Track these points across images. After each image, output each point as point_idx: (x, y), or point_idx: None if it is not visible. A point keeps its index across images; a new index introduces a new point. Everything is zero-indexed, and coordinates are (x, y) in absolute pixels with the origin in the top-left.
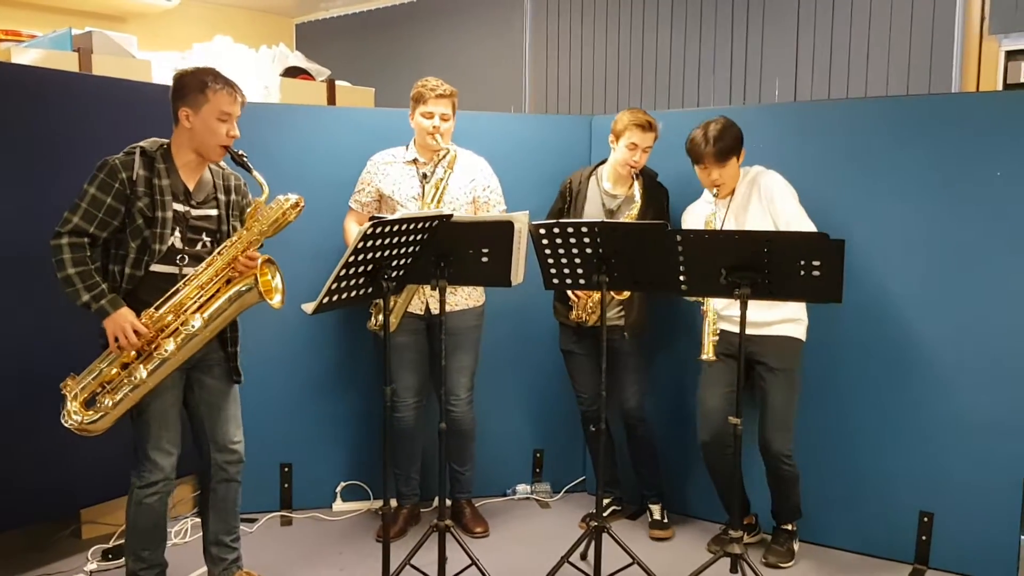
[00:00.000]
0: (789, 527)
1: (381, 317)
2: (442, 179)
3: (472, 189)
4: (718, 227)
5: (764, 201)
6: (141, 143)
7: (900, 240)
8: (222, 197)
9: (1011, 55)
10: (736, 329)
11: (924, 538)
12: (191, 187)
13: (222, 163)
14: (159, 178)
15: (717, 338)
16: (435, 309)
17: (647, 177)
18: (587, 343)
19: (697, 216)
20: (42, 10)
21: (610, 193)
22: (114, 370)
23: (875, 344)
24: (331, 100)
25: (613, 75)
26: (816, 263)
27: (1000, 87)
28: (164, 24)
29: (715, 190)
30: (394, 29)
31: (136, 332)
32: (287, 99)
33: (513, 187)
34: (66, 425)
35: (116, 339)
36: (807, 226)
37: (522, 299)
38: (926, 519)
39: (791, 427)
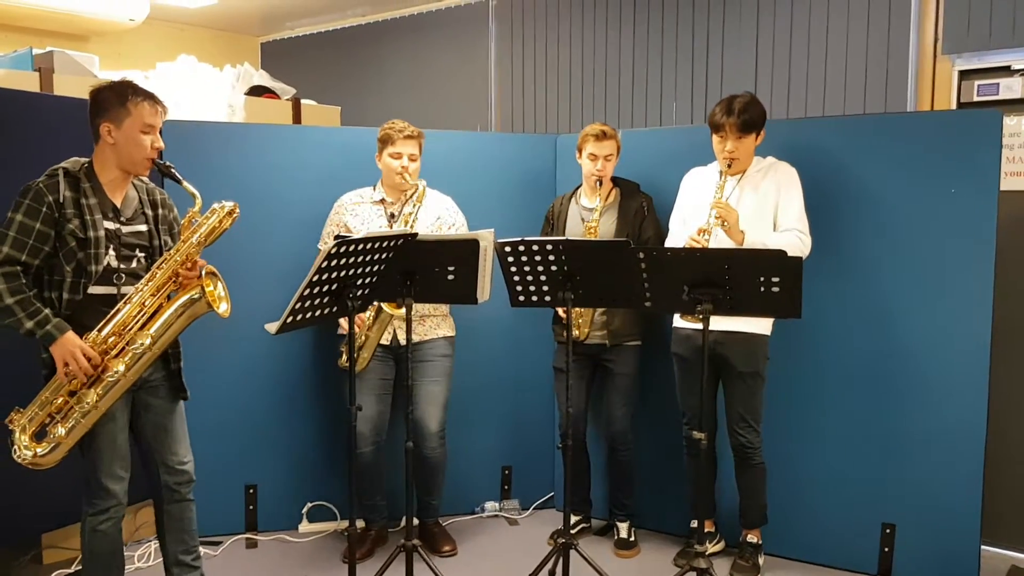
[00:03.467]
0: (754, 539)
1: (355, 353)
2: (411, 213)
3: (438, 227)
4: (726, 198)
5: (774, 193)
6: (63, 164)
7: (856, 256)
8: (149, 212)
9: (964, 75)
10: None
11: (887, 549)
12: (118, 204)
13: (145, 178)
14: (86, 197)
15: (718, 330)
16: (403, 340)
17: (625, 187)
18: (579, 363)
19: (699, 183)
20: (3, 29)
21: (587, 207)
22: (61, 399)
23: (835, 357)
24: (296, 119)
25: (578, 94)
26: (775, 279)
27: (954, 106)
28: (127, 43)
29: (728, 163)
30: (360, 48)
31: (85, 355)
32: (252, 118)
33: (479, 205)
34: (18, 460)
35: (66, 364)
36: (803, 231)
37: (491, 317)
38: (888, 530)
39: (759, 420)
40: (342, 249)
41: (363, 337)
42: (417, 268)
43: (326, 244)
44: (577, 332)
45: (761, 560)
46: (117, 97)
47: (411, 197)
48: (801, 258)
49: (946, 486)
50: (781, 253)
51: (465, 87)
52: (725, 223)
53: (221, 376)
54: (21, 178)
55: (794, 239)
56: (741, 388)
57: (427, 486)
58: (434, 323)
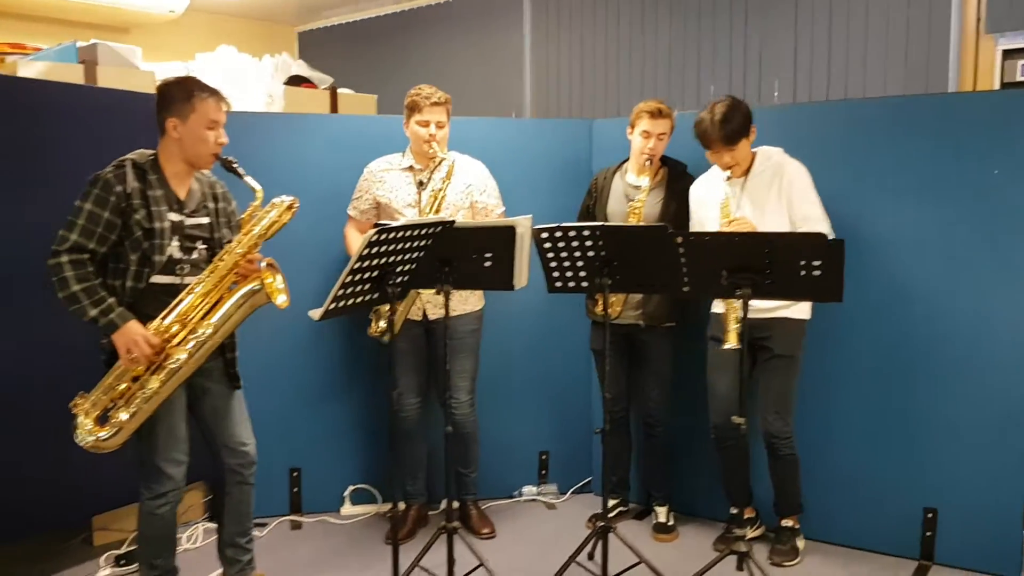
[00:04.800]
0: (792, 524)
1: (381, 324)
2: (440, 189)
3: (468, 193)
4: (734, 211)
5: (784, 192)
6: (129, 156)
7: (899, 238)
8: (211, 205)
9: (1008, 54)
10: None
11: (929, 534)
12: (182, 196)
13: (207, 171)
14: (152, 189)
15: (739, 326)
16: (432, 315)
17: (673, 168)
18: (615, 343)
19: (705, 197)
20: (47, 22)
21: (633, 185)
22: (124, 384)
23: (879, 339)
24: (334, 108)
25: (614, 78)
26: (816, 263)
27: (997, 86)
28: (167, 34)
29: (728, 171)
30: (395, 36)
31: (148, 343)
32: (290, 108)
33: (514, 192)
34: (81, 444)
35: (129, 352)
36: (827, 230)
37: (527, 302)
38: (930, 515)
39: (791, 410)
40: (382, 236)
41: (385, 309)
42: (454, 255)
43: (356, 208)
44: (599, 309)
45: (800, 544)
46: (183, 93)
47: (439, 165)
48: (843, 241)
49: (989, 471)
50: (822, 237)
51: (500, 72)
52: None
53: (265, 362)
54: (68, 168)
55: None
56: (777, 373)
57: (463, 459)
58: (461, 297)
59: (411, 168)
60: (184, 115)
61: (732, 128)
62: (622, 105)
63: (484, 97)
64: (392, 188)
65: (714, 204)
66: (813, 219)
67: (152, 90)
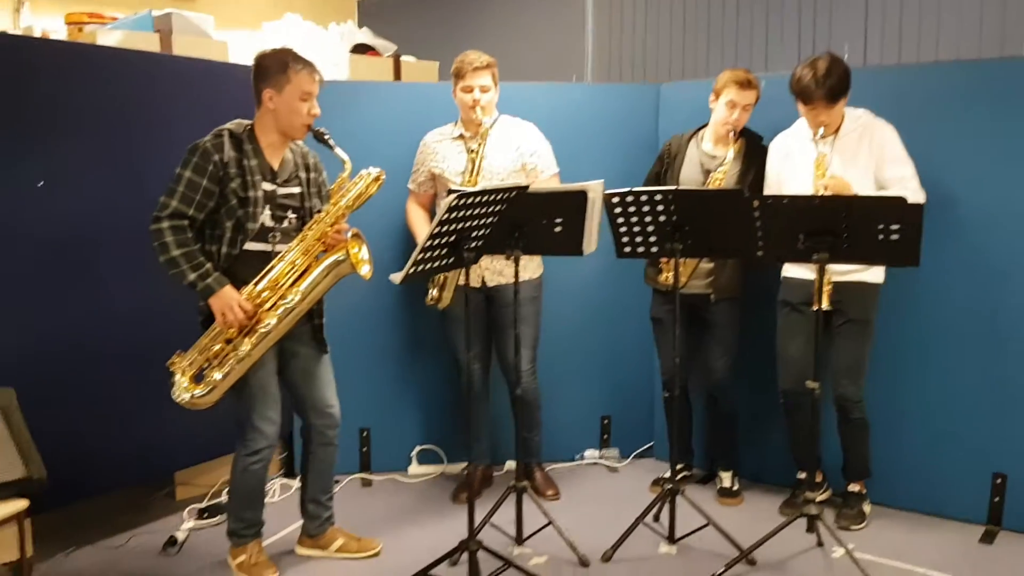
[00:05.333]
0: (858, 489)
1: (435, 291)
2: (476, 151)
3: (519, 156)
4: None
5: (874, 152)
6: (227, 126)
7: (973, 207)
8: (303, 175)
9: None
10: (807, 276)
11: (997, 499)
12: (275, 166)
13: (300, 142)
14: (247, 158)
15: (831, 287)
16: (491, 282)
17: (751, 139)
18: (680, 312)
19: (789, 154)
20: None
21: (710, 154)
22: (218, 346)
23: (947, 308)
24: (397, 75)
25: (679, 41)
26: (895, 227)
27: None
28: (233, 3)
29: (821, 129)
30: (454, 1)
31: (241, 308)
32: (355, 76)
33: (576, 160)
34: (177, 401)
35: (224, 315)
36: (916, 188)
37: (589, 270)
38: (999, 480)
39: (864, 374)
40: (461, 202)
41: (441, 277)
42: (525, 220)
43: (414, 182)
44: (664, 278)
45: (867, 508)
46: (279, 64)
47: (490, 130)
48: (922, 205)
49: None
50: (902, 200)
51: (561, 36)
52: None
53: (336, 326)
54: (145, 136)
55: (910, 197)
56: (851, 338)
57: (527, 422)
58: (520, 265)
59: (462, 137)
60: (279, 86)
61: (834, 85)
62: (687, 70)
63: (545, 61)
64: (444, 158)
65: (800, 161)
66: (908, 178)
67: (225, 59)
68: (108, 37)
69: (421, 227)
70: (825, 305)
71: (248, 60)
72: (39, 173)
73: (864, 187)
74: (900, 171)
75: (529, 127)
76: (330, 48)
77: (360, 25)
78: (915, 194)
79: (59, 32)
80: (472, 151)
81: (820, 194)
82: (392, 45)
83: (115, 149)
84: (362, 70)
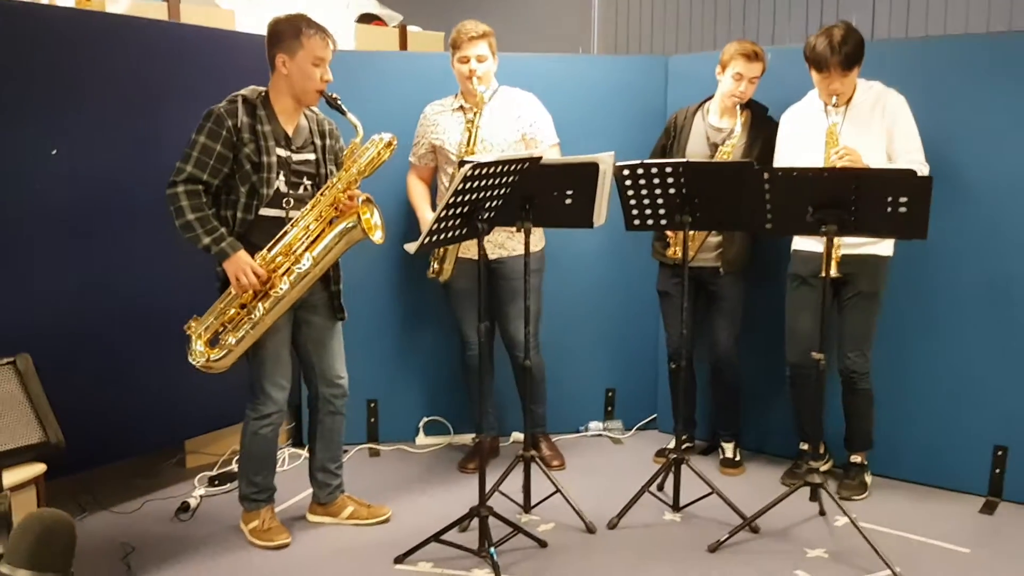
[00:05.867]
0: (860, 460)
1: (436, 264)
2: (472, 121)
3: (519, 126)
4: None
5: (886, 123)
6: (242, 92)
7: (979, 180)
8: (318, 141)
9: None
10: (817, 249)
11: (998, 471)
12: (290, 132)
13: (315, 108)
14: (261, 124)
15: (841, 255)
16: (492, 255)
17: (756, 111)
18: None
19: (801, 124)
20: None
21: (716, 127)
22: (233, 310)
23: (953, 280)
24: (403, 45)
25: (687, 12)
26: (903, 200)
27: None
28: None
29: (834, 98)
30: None
31: (255, 272)
32: (361, 46)
33: (582, 133)
34: (193, 363)
35: (238, 279)
36: (922, 161)
37: (595, 242)
38: (1000, 452)
39: (871, 346)
40: (476, 172)
41: (442, 250)
42: (536, 192)
43: (414, 155)
44: (672, 252)
45: (868, 479)
46: (292, 30)
47: (488, 101)
48: (931, 178)
49: None
50: (911, 173)
51: (567, 8)
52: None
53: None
54: (153, 104)
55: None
56: (859, 310)
57: (532, 395)
58: (520, 239)
59: (461, 108)
60: (292, 51)
61: (850, 52)
62: (694, 42)
63: (550, 33)
64: (445, 130)
65: (812, 132)
66: (914, 151)
67: (232, 27)
68: (116, 5)
69: (422, 202)
70: (834, 273)
71: (255, 28)
72: (52, 141)
73: (875, 157)
74: (909, 144)
75: (529, 97)
76: (336, 17)
77: None
78: (921, 167)
79: (67, 0)
80: (468, 121)
81: (833, 163)
82: (398, 15)
83: (124, 117)
84: (368, 40)
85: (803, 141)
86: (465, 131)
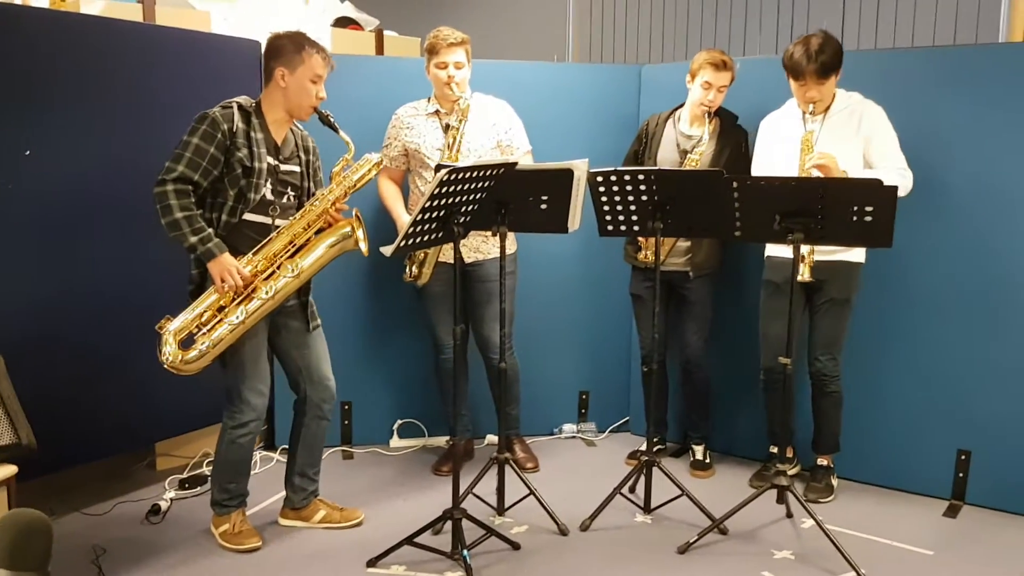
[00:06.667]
0: (827, 463)
1: (414, 268)
2: (457, 129)
3: (494, 133)
4: (816, 147)
5: (863, 133)
6: (236, 99)
7: (950, 189)
8: (303, 156)
9: None
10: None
11: (961, 475)
12: (279, 143)
13: (300, 125)
14: (254, 131)
15: (811, 259)
16: (468, 258)
17: (726, 118)
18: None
19: (779, 132)
20: None
21: (686, 134)
22: (209, 312)
23: (922, 287)
24: (379, 50)
25: (659, 22)
26: (869, 209)
27: None
28: None
29: (810, 107)
30: None
31: (240, 274)
32: (337, 50)
33: (557, 139)
34: (164, 364)
35: (222, 279)
36: (905, 167)
37: (569, 245)
38: (963, 457)
39: (841, 349)
40: (452, 176)
41: (421, 255)
42: (511, 197)
43: (386, 156)
44: (643, 256)
45: (835, 482)
46: (294, 45)
47: (463, 109)
48: (896, 187)
49: None
50: (876, 182)
51: (542, 15)
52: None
53: (318, 299)
54: (127, 105)
55: (897, 176)
56: (831, 315)
57: (506, 396)
58: (494, 242)
59: (437, 113)
60: (293, 66)
61: (827, 60)
62: (667, 51)
63: (526, 40)
64: (420, 134)
65: (789, 139)
66: (896, 157)
67: (207, 29)
68: (91, 6)
69: (396, 203)
70: (808, 278)
71: (231, 31)
72: (25, 142)
73: (851, 165)
74: (888, 149)
75: (503, 105)
76: (312, 21)
77: None
78: (904, 172)
79: (41, 0)
80: (453, 127)
81: (808, 171)
82: (374, 19)
83: (98, 118)
84: (344, 44)
85: (781, 147)
86: (450, 137)
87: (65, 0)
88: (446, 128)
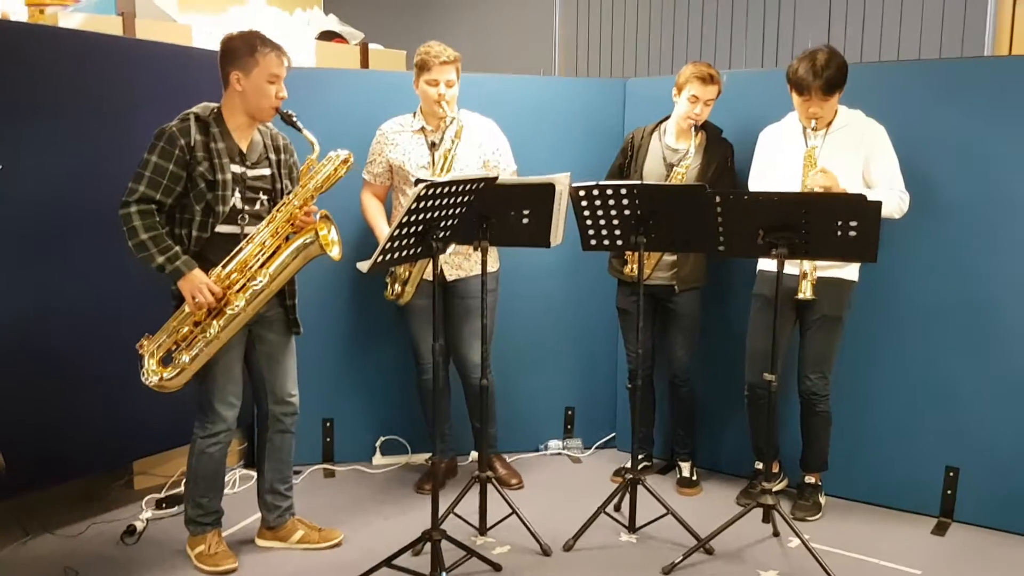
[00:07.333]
0: (815, 480)
1: (396, 287)
2: (450, 150)
3: (481, 153)
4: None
5: (863, 150)
6: (193, 109)
7: (939, 203)
8: (273, 157)
9: None
10: (790, 271)
11: (949, 492)
12: (244, 148)
13: (269, 124)
14: (215, 141)
15: (813, 276)
16: (450, 275)
17: (711, 132)
18: (644, 303)
19: (779, 145)
20: None
21: (672, 147)
22: (186, 328)
23: (913, 304)
24: (364, 63)
25: (644, 36)
26: (853, 223)
27: None
28: None
29: (813, 122)
30: None
31: (210, 290)
32: (322, 63)
33: (542, 152)
34: (146, 383)
35: (193, 297)
36: (903, 190)
37: (554, 261)
38: (952, 473)
39: (831, 367)
40: (430, 191)
41: (405, 273)
42: (493, 211)
43: (369, 172)
44: (628, 270)
45: (822, 500)
46: (246, 47)
47: (450, 125)
48: (880, 202)
49: (1014, 432)
50: (861, 197)
51: (529, 29)
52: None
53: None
54: (107, 120)
55: (896, 198)
56: (823, 332)
57: (485, 414)
58: (477, 258)
59: (423, 130)
60: (248, 68)
61: (831, 76)
62: (653, 65)
63: (512, 54)
64: (405, 151)
65: (791, 153)
66: (895, 180)
67: (188, 43)
68: (70, 20)
69: (378, 219)
70: (810, 295)
71: (212, 45)
72: (1, 156)
73: (852, 182)
74: (887, 171)
75: (490, 124)
76: (296, 34)
77: (327, 12)
78: (902, 196)
79: (20, 14)
80: (446, 148)
81: (811, 185)
82: (359, 33)
83: (76, 133)
84: (329, 57)
85: (780, 162)
86: (442, 157)
87: (44, 13)
88: (432, 145)
